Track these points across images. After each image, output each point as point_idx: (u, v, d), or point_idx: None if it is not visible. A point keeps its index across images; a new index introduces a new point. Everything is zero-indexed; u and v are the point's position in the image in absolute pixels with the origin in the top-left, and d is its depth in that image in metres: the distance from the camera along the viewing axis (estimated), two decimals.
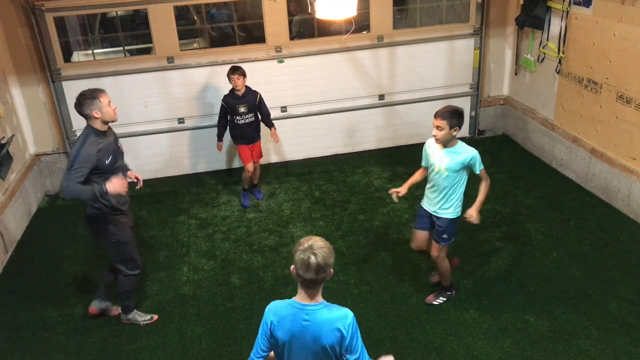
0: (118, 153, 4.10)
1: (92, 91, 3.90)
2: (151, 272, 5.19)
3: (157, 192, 6.66)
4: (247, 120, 5.91)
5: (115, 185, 3.84)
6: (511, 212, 5.82)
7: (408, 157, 7.20)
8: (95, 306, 4.57)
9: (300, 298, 2.60)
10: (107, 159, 3.93)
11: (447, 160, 4.05)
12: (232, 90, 5.85)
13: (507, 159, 7.08)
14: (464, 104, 7.50)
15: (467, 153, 4.03)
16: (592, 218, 5.63)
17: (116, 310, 4.63)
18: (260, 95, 5.96)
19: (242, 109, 5.84)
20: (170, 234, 5.81)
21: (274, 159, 7.27)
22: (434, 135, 4.02)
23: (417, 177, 4.42)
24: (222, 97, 5.94)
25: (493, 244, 5.31)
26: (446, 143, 4.04)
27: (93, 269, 5.29)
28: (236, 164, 7.17)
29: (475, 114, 7.61)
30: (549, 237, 5.36)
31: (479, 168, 4.06)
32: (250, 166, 6.12)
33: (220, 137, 6.12)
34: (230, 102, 5.85)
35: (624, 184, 5.59)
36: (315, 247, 2.48)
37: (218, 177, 7.05)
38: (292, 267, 2.57)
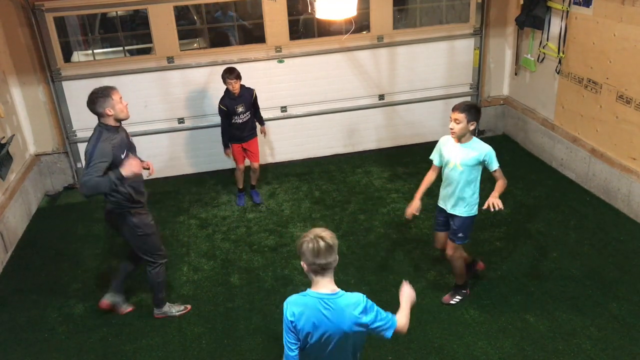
0: (131, 148, 4.17)
1: (104, 89, 3.98)
2: None
3: (157, 192, 6.65)
4: (244, 119, 5.89)
5: (129, 166, 3.86)
6: (511, 212, 5.82)
7: (408, 157, 7.20)
8: (107, 299, 4.58)
9: (316, 288, 2.71)
10: (122, 154, 3.98)
11: (462, 155, 4.07)
12: (227, 92, 5.78)
13: (507, 159, 7.07)
14: None
15: (482, 149, 4.06)
16: (592, 218, 5.63)
17: (126, 308, 4.63)
18: (255, 91, 5.93)
19: (240, 109, 5.81)
20: (170, 234, 5.80)
21: (274, 159, 7.27)
22: (451, 129, 4.04)
23: (428, 180, 4.34)
24: (220, 99, 5.89)
25: (493, 244, 5.31)
26: (461, 137, 4.06)
27: (93, 269, 5.29)
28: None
29: None
30: (549, 237, 5.36)
31: (494, 166, 4.08)
32: (241, 166, 6.12)
33: (227, 144, 5.99)
34: (228, 105, 5.77)
35: (624, 184, 5.59)
36: (319, 233, 2.67)
37: (218, 177, 7.05)
38: (302, 263, 2.70)
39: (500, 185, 4.11)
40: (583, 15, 5.87)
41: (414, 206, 4.28)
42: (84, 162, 6.63)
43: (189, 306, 4.66)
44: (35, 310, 4.78)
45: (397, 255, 5.24)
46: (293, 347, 2.72)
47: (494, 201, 3.97)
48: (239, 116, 5.84)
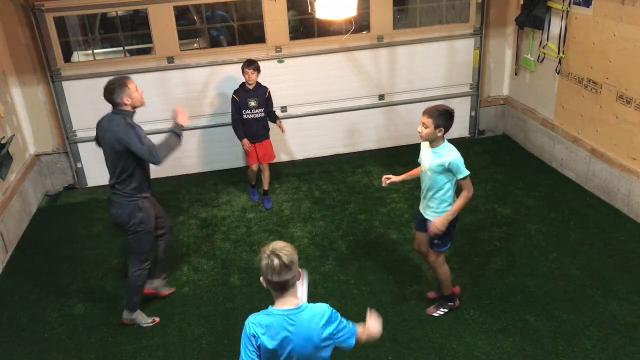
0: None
1: (119, 79, 4.08)
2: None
3: (157, 192, 6.57)
4: (256, 116, 5.90)
5: (182, 115, 4.19)
6: (511, 212, 5.82)
7: (408, 157, 7.17)
8: (147, 287, 4.68)
9: (279, 305, 2.61)
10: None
11: (430, 160, 3.95)
12: (243, 84, 5.87)
13: (507, 159, 7.08)
14: (464, 104, 7.51)
15: (448, 156, 3.86)
16: (592, 218, 5.63)
17: (167, 290, 4.83)
18: (269, 90, 5.99)
19: (252, 103, 5.84)
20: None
21: (274, 159, 7.25)
22: (419, 132, 3.92)
23: (414, 172, 4.28)
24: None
25: (493, 244, 5.31)
26: (431, 142, 3.94)
27: (93, 269, 5.29)
28: (236, 163, 7.17)
29: (475, 114, 7.61)
30: (549, 237, 5.36)
31: (460, 175, 3.88)
32: (254, 166, 6.14)
33: (241, 135, 5.95)
34: (241, 96, 5.84)
35: (624, 184, 5.59)
36: (277, 250, 2.54)
37: (218, 177, 7.05)
38: (261, 278, 2.60)
39: (460, 198, 3.94)
40: (583, 15, 5.87)
41: (392, 178, 4.23)
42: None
43: (157, 319, 4.56)
44: (35, 310, 4.78)
45: (397, 255, 5.24)
46: (252, 356, 2.64)
47: (435, 226, 3.96)
48: (251, 111, 5.86)
